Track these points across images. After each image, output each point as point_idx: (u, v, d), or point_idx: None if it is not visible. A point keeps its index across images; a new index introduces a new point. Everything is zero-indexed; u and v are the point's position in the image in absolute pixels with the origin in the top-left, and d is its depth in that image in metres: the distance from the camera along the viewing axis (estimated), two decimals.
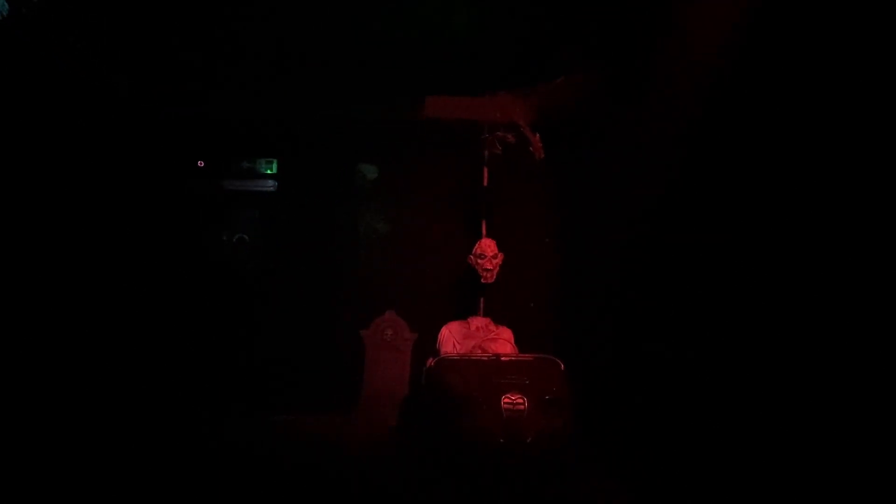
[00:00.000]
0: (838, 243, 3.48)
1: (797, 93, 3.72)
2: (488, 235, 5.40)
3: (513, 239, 5.38)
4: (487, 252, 5.20)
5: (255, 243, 5.93)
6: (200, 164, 5.74)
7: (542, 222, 5.77)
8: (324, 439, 4.94)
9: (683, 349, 4.41)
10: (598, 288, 5.31)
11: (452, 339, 5.16)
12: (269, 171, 5.88)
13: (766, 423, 3.78)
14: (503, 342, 5.16)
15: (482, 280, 5.19)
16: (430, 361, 4.92)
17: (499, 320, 5.35)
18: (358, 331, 5.59)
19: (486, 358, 4.78)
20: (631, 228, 4.97)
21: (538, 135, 5.10)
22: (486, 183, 5.52)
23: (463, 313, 5.43)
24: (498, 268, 5.17)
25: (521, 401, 4.20)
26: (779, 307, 3.80)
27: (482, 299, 5.38)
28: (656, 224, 4.72)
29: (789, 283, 3.74)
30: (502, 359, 4.74)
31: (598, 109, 5.04)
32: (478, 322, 5.31)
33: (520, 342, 5.16)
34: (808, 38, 3.60)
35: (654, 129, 4.63)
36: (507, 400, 4.20)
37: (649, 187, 4.76)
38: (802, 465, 3.51)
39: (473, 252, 5.25)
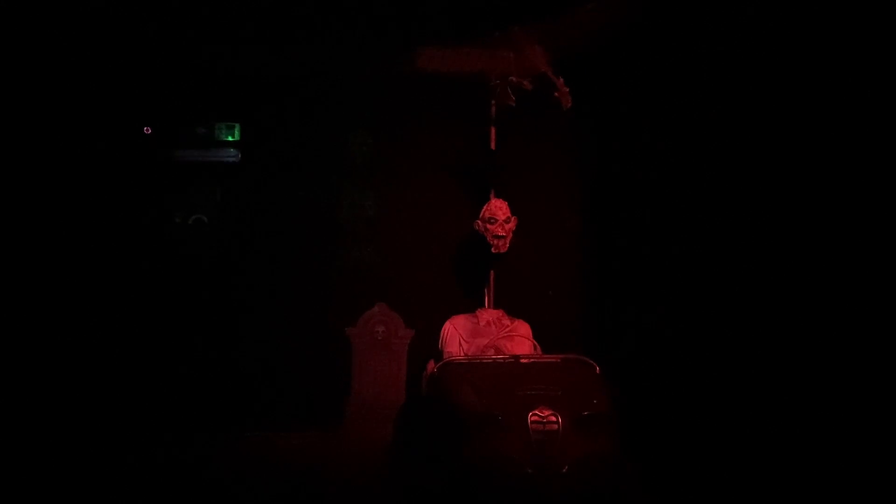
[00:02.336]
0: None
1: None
2: None
3: (527, 213, 4.80)
4: (499, 215, 4.64)
5: (215, 226, 5.39)
6: (146, 129, 5.15)
7: (562, 192, 5.27)
8: (305, 459, 4.61)
9: (747, 350, 4.03)
10: (633, 272, 4.88)
11: (458, 336, 4.59)
12: (230, 139, 5.30)
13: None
14: (520, 339, 4.53)
15: (493, 249, 4.64)
16: (432, 365, 4.35)
17: (512, 312, 4.78)
18: (343, 329, 5.15)
19: (502, 361, 4.17)
20: (677, 198, 4.60)
21: (562, 79, 4.37)
22: (493, 146, 4.96)
23: (469, 304, 4.90)
24: (511, 234, 4.63)
25: (553, 418, 3.47)
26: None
27: (492, 273, 4.91)
28: (709, 194, 4.36)
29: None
30: (522, 361, 4.13)
31: (637, 46, 4.55)
32: (488, 315, 4.70)
33: (537, 339, 4.63)
34: None
35: (710, 75, 4.26)
36: (535, 417, 3.49)
37: (701, 148, 4.38)
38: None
39: (481, 216, 4.69)
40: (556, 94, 4.34)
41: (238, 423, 4.93)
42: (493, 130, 4.95)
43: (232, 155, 5.33)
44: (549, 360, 4.22)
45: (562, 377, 3.86)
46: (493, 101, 4.82)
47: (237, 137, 5.33)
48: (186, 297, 5.17)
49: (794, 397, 3.83)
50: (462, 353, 4.44)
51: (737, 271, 4.23)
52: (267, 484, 4.28)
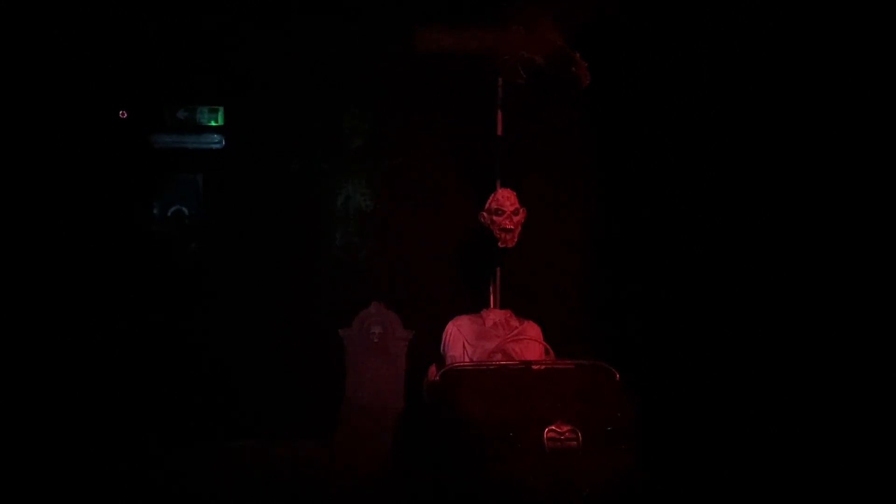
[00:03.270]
0: None
1: None
2: None
3: (537, 205, 4.63)
4: (506, 206, 4.41)
5: (197, 218, 5.29)
6: (122, 113, 4.97)
7: (575, 181, 5.04)
8: (294, 471, 4.53)
9: (780, 350, 3.97)
10: (654, 269, 4.73)
11: (462, 339, 4.35)
12: (213, 123, 5.19)
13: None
14: (530, 343, 4.28)
15: (499, 244, 4.43)
16: (434, 371, 4.16)
17: (520, 312, 4.56)
18: (336, 329, 4.98)
19: (511, 367, 3.93)
20: (706, 187, 4.45)
21: (578, 54, 4.15)
22: (500, 131, 4.76)
23: (473, 303, 4.68)
24: (520, 227, 4.43)
25: (572, 434, 3.25)
26: None
27: (498, 269, 4.74)
28: (739, 183, 4.27)
29: None
30: (534, 367, 3.89)
31: (661, 21, 4.40)
32: (495, 316, 4.46)
33: (548, 342, 4.41)
34: None
35: (737, 57, 4.19)
36: (551, 433, 3.25)
37: (732, 133, 4.28)
38: None
39: (487, 207, 4.47)
40: (572, 69, 4.09)
41: (222, 432, 4.82)
42: (499, 114, 4.74)
43: (215, 141, 5.22)
44: (563, 366, 3.96)
45: (580, 386, 3.60)
46: (499, 83, 4.59)
47: (221, 122, 5.22)
48: (164, 295, 4.99)
49: (833, 409, 3.75)
50: (466, 358, 4.21)
51: (768, 265, 4.14)
52: (253, 500, 4.25)
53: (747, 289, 4.24)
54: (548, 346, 4.27)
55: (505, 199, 4.45)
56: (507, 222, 4.39)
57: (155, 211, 5.20)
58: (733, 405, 4.16)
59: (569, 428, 3.22)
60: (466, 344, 4.32)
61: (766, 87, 4.12)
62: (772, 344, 4.06)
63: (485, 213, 4.47)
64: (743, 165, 4.29)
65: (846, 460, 3.63)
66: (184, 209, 5.25)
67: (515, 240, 4.42)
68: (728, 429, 4.15)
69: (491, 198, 4.51)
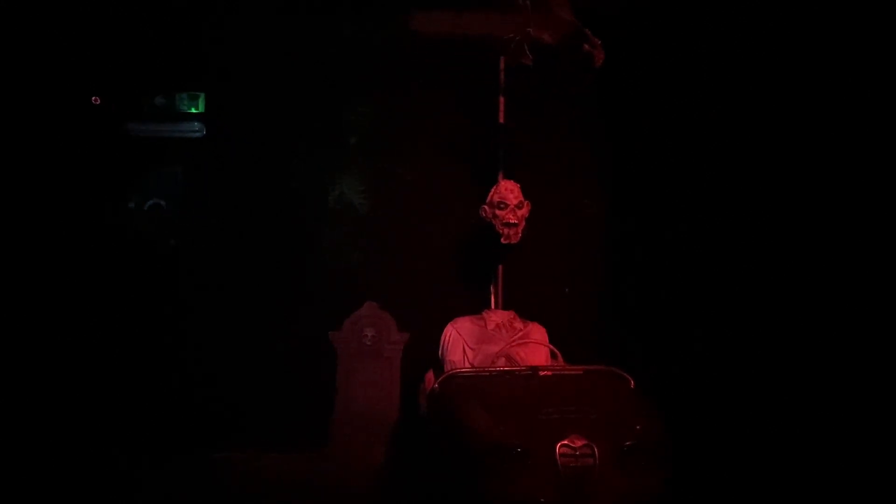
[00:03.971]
0: None
1: None
2: None
3: (541, 198, 4.48)
4: (509, 199, 4.27)
5: (177, 213, 5.15)
6: (95, 99, 4.81)
7: (582, 173, 4.91)
8: (284, 485, 4.42)
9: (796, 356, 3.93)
10: (663, 267, 4.63)
11: (462, 342, 4.21)
12: (193, 111, 5.05)
13: None
14: (536, 346, 4.12)
15: (502, 240, 4.28)
16: (431, 378, 4.03)
17: (524, 313, 4.42)
18: (326, 333, 4.86)
19: (517, 373, 3.75)
20: (719, 180, 4.39)
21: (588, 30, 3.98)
22: (502, 119, 4.65)
23: (474, 304, 4.54)
24: (524, 222, 4.29)
25: (588, 450, 3.00)
26: None
27: (500, 267, 4.63)
28: (754, 177, 4.24)
29: None
30: (541, 374, 3.69)
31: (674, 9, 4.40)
32: (497, 317, 4.31)
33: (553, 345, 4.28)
34: None
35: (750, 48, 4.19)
36: (565, 449, 3.01)
37: (748, 126, 4.26)
38: None
39: (489, 200, 4.33)
40: (585, 47, 3.89)
41: (205, 444, 4.67)
42: (502, 101, 4.64)
43: (196, 129, 5.09)
44: (573, 371, 3.79)
45: (593, 394, 3.39)
46: (501, 66, 4.45)
47: (202, 109, 5.09)
48: (141, 295, 4.82)
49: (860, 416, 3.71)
50: (467, 363, 4.04)
51: (784, 263, 4.10)
52: None
53: (771, 286, 4.17)
54: (555, 350, 4.11)
55: (508, 191, 4.30)
56: (511, 216, 4.24)
57: (131, 205, 5.06)
58: (752, 412, 4.06)
59: (584, 443, 2.99)
60: (467, 348, 4.20)
61: (790, 79, 4.10)
62: (788, 343, 4.02)
63: (486, 207, 4.33)
64: (763, 155, 4.23)
65: (859, 466, 3.62)
66: (162, 203, 5.11)
67: (519, 235, 4.27)
68: (747, 436, 4.03)
69: (493, 190, 4.36)
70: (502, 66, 4.46)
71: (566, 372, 3.77)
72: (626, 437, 3.06)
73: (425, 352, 4.47)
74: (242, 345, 4.82)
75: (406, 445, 4.41)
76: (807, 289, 4.04)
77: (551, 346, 4.10)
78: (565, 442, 3.01)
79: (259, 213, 4.89)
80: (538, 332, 4.20)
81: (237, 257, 4.88)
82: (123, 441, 4.52)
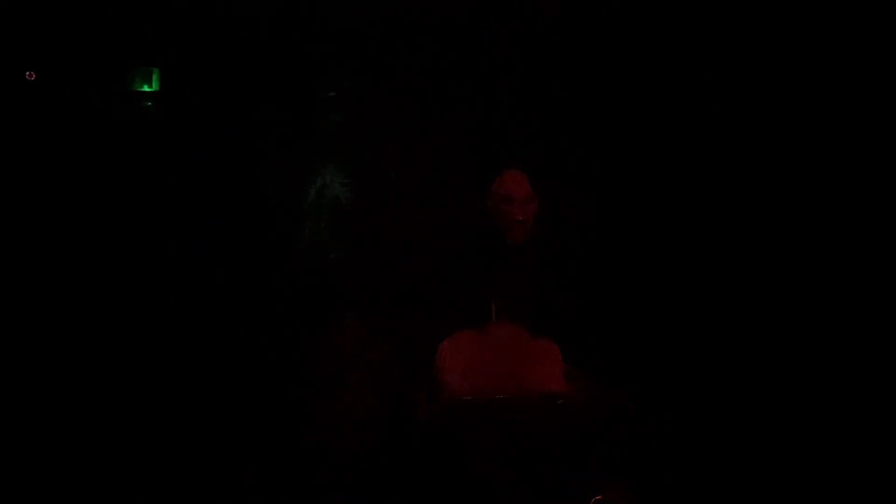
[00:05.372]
0: None
1: None
2: None
3: (551, 193, 4.16)
4: (517, 192, 3.88)
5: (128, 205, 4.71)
6: (30, 74, 4.43)
7: (599, 163, 4.55)
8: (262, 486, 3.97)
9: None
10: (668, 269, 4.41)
11: (461, 362, 3.74)
12: (146, 88, 4.66)
13: None
14: (550, 367, 3.66)
15: (508, 239, 3.91)
16: (423, 402, 3.64)
17: (532, 327, 3.94)
18: (301, 345, 4.44)
19: (530, 400, 3.39)
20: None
21: None
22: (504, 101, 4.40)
23: (474, 315, 4.03)
24: (534, 220, 3.93)
25: None
26: None
27: (504, 273, 4.25)
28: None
29: None
30: (559, 402, 3.35)
31: None
32: (502, 332, 3.83)
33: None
34: None
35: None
36: None
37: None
38: None
39: (493, 193, 3.95)
40: None
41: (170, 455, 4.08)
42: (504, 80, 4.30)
43: (148, 110, 4.69)
44: (594, 398, 3.41)
45: (626, 428, 3.04)
46: (506, 36, 4.22)
47: (155, 87, 4.65)
48: (87, 296, 4.46)
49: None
50: (468, 388, 3.58)
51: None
52: None
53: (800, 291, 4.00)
54: (572, 369, 3.69)
55: (516, 183, 3.87)
56: (519, 213, 3.82)
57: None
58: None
59: (622, 498, 2.55)
60: (467, 368, 3.67)
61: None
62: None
63: (488, 202, 3.91)
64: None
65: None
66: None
67: (528, 234, 3.87)
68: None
69: (496, 182, 3.93)
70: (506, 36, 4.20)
71: (588, 399, 3.38)
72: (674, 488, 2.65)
73: (417, 372, 3.97)
74: (204, 364, 4.40)
75: (392, 488, 3.85)
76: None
77: (567, 366, 3.67)
78: (598, 498, 2.60)
79: (220, 207, 4.57)
80: (551, 351, 3.74)
81: (194, 258, 4.55)
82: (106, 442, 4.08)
